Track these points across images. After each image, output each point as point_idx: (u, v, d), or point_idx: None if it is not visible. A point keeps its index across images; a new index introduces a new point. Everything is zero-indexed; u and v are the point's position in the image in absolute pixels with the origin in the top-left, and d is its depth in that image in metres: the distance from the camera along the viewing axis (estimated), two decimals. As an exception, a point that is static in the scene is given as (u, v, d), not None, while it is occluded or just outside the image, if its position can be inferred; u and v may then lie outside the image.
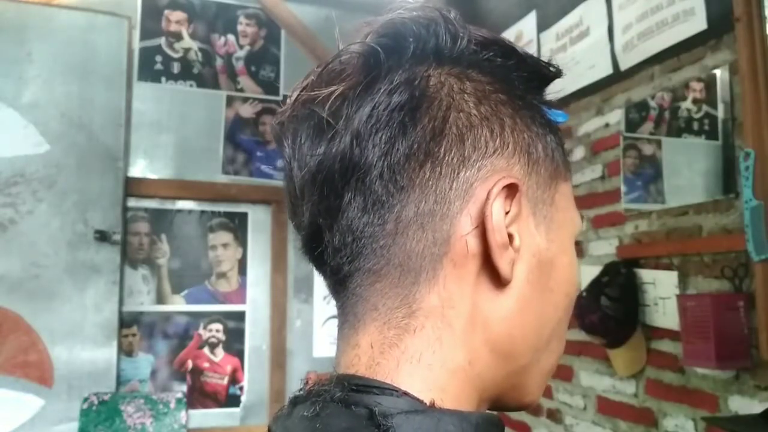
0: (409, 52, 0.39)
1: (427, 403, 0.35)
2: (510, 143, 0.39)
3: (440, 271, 0.38)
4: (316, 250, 0.40)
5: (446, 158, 0.37)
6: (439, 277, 0.38)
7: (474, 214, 0.37)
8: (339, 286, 0.40)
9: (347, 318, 0.40)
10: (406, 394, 0.35)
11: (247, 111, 2.77)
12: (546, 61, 0.42)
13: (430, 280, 0.38)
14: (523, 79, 0.41)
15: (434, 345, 0.37)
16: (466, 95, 0.39)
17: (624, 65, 1.80)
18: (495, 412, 0.39)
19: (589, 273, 1.80)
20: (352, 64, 0.39)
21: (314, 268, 0.43)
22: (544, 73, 0.42)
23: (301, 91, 0.40)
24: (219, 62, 2.77)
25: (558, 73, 0.43)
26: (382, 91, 0.37)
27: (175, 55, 2.71)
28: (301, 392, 0.38)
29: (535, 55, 0.43)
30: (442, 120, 0.38)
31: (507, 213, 0.38)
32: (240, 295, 2.68)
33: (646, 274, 1.69)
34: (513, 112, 0.40)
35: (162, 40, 2.70)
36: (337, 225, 0.38)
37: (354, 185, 0.37)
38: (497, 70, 0.41)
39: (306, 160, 0.39)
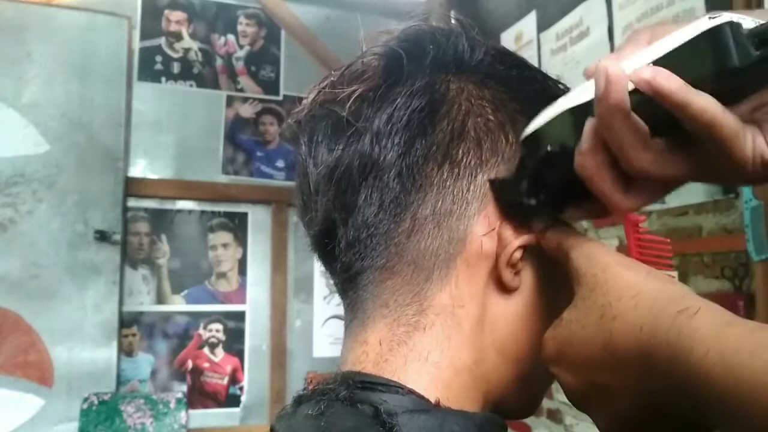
0: (429, 58, 0.40)
1: (433, 402, 0.35)
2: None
3: (453, 270, 0.38)
4: (328, 246, 0.41)
5: (464, 160, 0.38)
6: (452, 276, 0.38)
7: (492, 216, 0.38)
8: (348, 283, 0.41)
9: (356, 315, 0.40)
10: (411, 392, 0.35)
11: (247, 111, 2.77)
12: (554, 78, 0.43)
13: (443, 279, 0.38)
14: (536, 92, 0.42)
15: (443, 343, 0.37)
16: (484, 102, 0.40)
17: (624, 65, 1.80)
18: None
19: (589, 273, 1.80)
20: (373, 66, 0.40)
21: (323, 264, 0.43)
22: (552, 91, 0.43)
23: (320, 91, 0.41)
24: (219, 62, 2.77)
25: (565, 92, 0.43)
26: (402, 93, 0.38)
27: (175, 55, 2.71)
28: (306, 391, 0.38)
29: (536, 56, 0.44)
30: (461, 123, 0.38)
31: None
32: (240, 295, 2.68)
33: (646, 274, 1.69)
34: (528, 121, 0.40)
35: (162, 40, 2.70)
36: (352, 220, 0.39)
37: (371, 182, 0.38)
38: (513, 81, 0.41)
39: (323, 157, 0.39)
